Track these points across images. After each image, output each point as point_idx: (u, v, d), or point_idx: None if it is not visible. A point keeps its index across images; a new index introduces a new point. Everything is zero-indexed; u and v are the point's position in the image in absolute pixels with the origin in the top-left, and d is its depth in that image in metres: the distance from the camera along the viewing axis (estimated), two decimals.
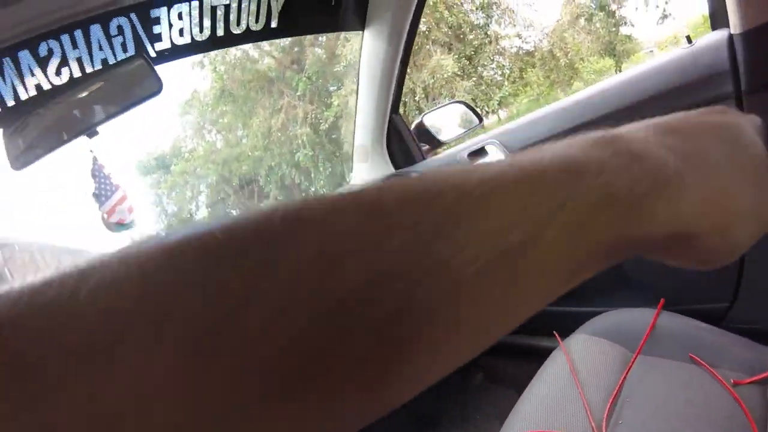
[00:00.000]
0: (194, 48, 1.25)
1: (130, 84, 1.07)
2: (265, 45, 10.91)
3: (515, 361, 1.81)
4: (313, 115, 10.61)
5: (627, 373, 0.83)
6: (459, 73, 10.02)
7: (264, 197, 12.07)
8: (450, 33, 10.23)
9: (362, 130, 1.83)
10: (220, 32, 1.27)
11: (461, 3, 10.55)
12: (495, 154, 1.40)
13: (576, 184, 0.20)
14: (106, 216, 1.30)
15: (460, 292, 0.17)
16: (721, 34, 1.01)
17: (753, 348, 0.84)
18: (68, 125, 1.05)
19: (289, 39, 10.97)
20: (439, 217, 0.17)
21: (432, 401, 1.82)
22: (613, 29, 10.36)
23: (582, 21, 10.42)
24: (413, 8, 1.47)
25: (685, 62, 1.07)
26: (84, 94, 1.06)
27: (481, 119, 1.81)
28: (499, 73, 10.93)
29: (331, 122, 10.36)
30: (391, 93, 1.69)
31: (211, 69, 10.86)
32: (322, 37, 10.73)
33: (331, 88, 10.80)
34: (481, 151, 1.46)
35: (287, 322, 0.14)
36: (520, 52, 10.87)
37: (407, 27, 1.52)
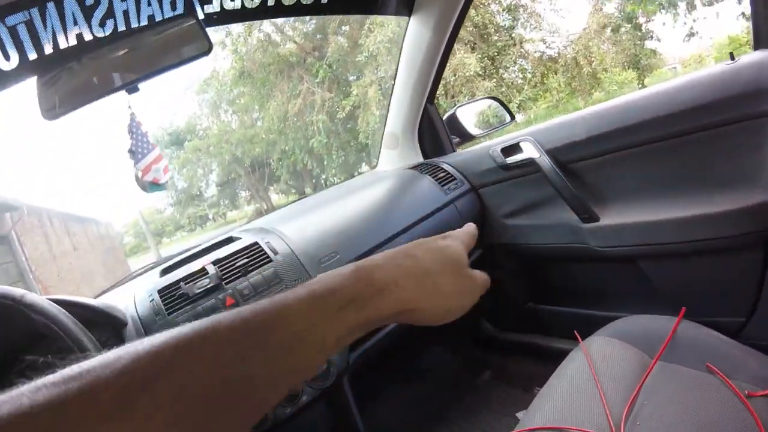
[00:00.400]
0: (243, 15, 1.23)
1: (178, 43, 1.05)
2: (288, 30, 10.94)
3: (524, 360, 1.83)
4: (330, 103, 10.59)
5: (646, 377, 0.84)
6: (481, 72, 9.97)
7: (274, 180, 12.11)
8: (475, 32, 10.18)
9: (395, 116, 1.82)
10: (270, 2, 1.24)
11: (488, 3, 10.49)
12: (529, 151, 1.40)
13: (336, 301, 0.38)
14: (140, 174, 1.28)
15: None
16: (764, 54, 1.04)
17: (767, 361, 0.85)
18: (107, 79, 1.03)
19: (313, 25, 10.99)
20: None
21: (441, 397, 1.83)
22: (639, 42, 10.27)
23: (608, 31, 10.33)
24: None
25: (726, 77, 1.07)
26: (127, 49, 1.03)
27: (513, 117, 1.82)
28: (521, 76, 10.88)
29: (348, 111, 10.33)
30: (429, 82, 1.68)
31: (232, 49, 10.87)
32: (345, 26, 10.74)
33: (351, 78, 10.79)
34: (515, 147, 1.46)
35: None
36: (544, 57, 10.81)
37: (455, 17, 1.51)
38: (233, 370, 0.31)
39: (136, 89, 1.05)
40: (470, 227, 0.59)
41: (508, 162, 1.48)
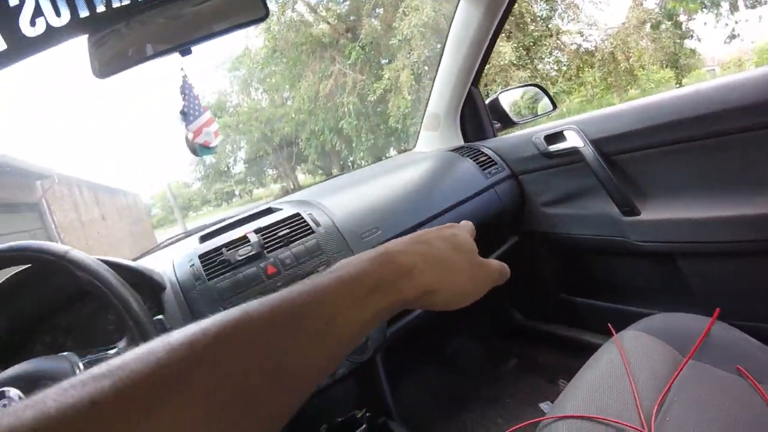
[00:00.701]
0: None
1: (235, 7, 1.04)
2: (322, 10, 10.92)
3: (551, 351, 1.84)
4: (362, 86, 10.57)
5: (677, 375, 0.83)
6: (515, 62, 9.86)
7: (302, 160, 12.15)
8: (511, 20, 10.06)
9: (438, 97, 1.81)
10: None
11: None
12: (573, 140, 1.39)
13: (363, 286, 0.38)
14: (191, 136, 1.30)
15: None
16: None
17: None
18: (161, 40, 1.03)
19: (347, 7, 10.98)
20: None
21: (465, 383, 1.84)
22: (678, 41, 10.05)
23: (647, 27, 10.11)
24: None
25: None
26: (181, 11, 1.03)
27: (555, 105, 1.81)
28: (556, 68, 10.74)
29: (379, 95, 10.28)
30: (476, 65, 1.67)
31: (264, 28, 10.88)
32: (380, 9, 10.69)
33: (383, 61, 10.74)
34: (559, 136, 1.45)
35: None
36: (580, 50, 10.64)
37: (507, 1, 1.49)
38: (268, 359, 0.31)
39: (189, 52, 1.04)
40: (468, 223, 0.60)
41: (551, 150, 1.47)
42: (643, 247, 1.32)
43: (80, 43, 1.00)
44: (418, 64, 9.76)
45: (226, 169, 13.47)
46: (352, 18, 11.04)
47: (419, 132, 1.96)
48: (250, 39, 11.41)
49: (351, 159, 11.47)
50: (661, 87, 9.76)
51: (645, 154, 1.29)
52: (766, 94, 1.04)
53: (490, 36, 1.57)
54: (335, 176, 1.95)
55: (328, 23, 10.95)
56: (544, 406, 1.57)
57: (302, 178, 13.07)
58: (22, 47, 0.95)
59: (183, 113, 1.34)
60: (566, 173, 1.50)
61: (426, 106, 1.88)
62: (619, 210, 1.34)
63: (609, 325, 1.03)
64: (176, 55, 1.05)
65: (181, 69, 1.30)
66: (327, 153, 11.59)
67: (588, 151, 1.34)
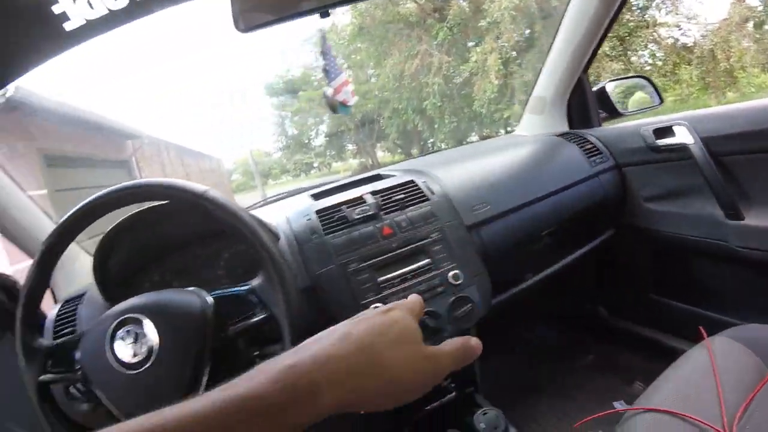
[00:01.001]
0: None
1: None
2: None
3: (632, 351, 1.83)
4: (447, 67, 10.47)
5: (762, 386, 0.83)
6: (608, 52, 9.53)
7: (382, 138, 12.21)
8: None
9: (546, 81, 1.80)
10: None
11: None
12: (683, 136, 1.37)
13: (259, 408, 0.38)
14: (331, 93, 1.34)
15: None
16: None
17: None
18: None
19: None
20: None
21: (539, 370, 1.87)
22: None
23: (750, 26, 9.48)
24: None
25: None
26: None
27: (662, 100, 1.78)
28: (651, 62, 10.27)
29: (465, 77, 10.19)
30: (589, 52, 1.65)
31: (352, 5, 10.91)
32: None
33: (470, 44, 10.59)
34: (667, 130, 1.43)
35: None
36: (678, 44, 10.10)
37: None
38: None
39: (327, 14, 1.05)
40: (415, 297, 0.57)
41: (659, 144, 1.45)
42: (743, 254, 1.30)
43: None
44: (507, 49, 9.59)
45: (306, 141, 13.72)
46: None
47: (515, 114, 1.97)
48: (336, 15, 11.50)
49: (431, 140, 11.44)
50: (761, 92, 9.17)
51: (757, 157, 1.26)
52: None
53: (606, 23, 1.55)
54: (436, 151, 1.98)
55: (416, 2, 10.85)
56: (617, 404, 1.58)
57: (381, 155, 13.10)
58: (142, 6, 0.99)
59: (325, 71, 1.39)
60: (672, 169, 1.48)
61: (531, 90, 1.87)
62: (723, 212, 1.32)
63: (701, 327, 1.03)
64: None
65: (320, 30, 1.36)
66: (408, 132, 11.59)
67: (697, 149, 1.32)
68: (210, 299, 0.83)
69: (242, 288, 0.85)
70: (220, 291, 0.86)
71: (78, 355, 0.81)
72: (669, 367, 0.95)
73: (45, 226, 1.30)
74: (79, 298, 1.13)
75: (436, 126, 10.86)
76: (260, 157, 15.01)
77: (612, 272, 1.88)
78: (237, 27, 1.00)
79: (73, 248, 1.32)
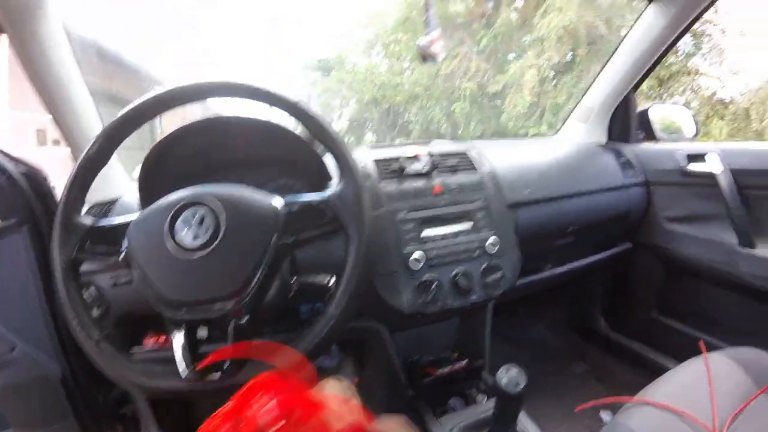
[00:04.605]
0: None
1: None
2: None
3: (626, 367, 1.90)
4: (484, 74, 10.46)
5: (751, 401, 0.90)
6: (646, 91, 9.49)
7: (405, 133, 12.19)
8: None
9: (597, 92, 1.86)
10: None
11: None
12: (713, 164, 1.44)
13: None
14: (427, 44, 1.40)
15: None
16: None
17: None
18: None
19: None
20: None
21: (535, 369, 1.88)
22: None
23: None
24: (708, 1, 1.48)
25: None
26: None
27: (698, 131, 1.88)
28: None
29: (498, 88, 10.17)
30: (642, 72, 1.73)
31: None
32: (521, 1, 10.48)
33: (511, 56, 10.57)
34: (700, 157, 1.50)
35: None
36: (714, 97, 10.08)
37: (692, 17, 1.53)
38: None
39: None
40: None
41: (689, 169, 1.53)
42: (749, 281, 1.38)
43: None
44: (546, 68, 9.57)
45: (330, 120, 13.65)
46: (490, 4, 10.89)
47: (565, 119, 2.03)
48: (386, 2, 11.50)
49: None
50: None
51: None
52: None
53: (664, 48, 1.63)
54: (480, 139, 2.06)
55: (465, 3, 10.86)
56: (604, 415, 1.64)
57: None
58: None
59: (425, 21, 1.48)
60: (697, 194, 1.56)
61: (581, 98, 1.93)
62: (737, 240, 1.40)
63: (701, 342, 1.10)
64: None
65: None
66: (430, 132, 11.55)
67: (724, 179, 1.40)
68: (282, 201, 0.81)
69: (316, 196, 0.84)
70: (292, 196, 0.84)
71: (126, 241, 0.78)
72: (665, 374, 1.03)
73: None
74: (111, 203, 1.16)
75: (460, 131, 10.83)
76: None
77: (620, 286, 1.96)
78: None
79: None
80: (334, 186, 0.84)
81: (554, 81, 9.64)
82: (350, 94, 12.73)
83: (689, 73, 9.97)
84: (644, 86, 7.42)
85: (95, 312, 0.97)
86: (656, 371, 1.08)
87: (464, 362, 1.34)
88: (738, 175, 1.39)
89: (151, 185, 1.01)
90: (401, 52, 11.73)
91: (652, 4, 1.56)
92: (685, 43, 10.01)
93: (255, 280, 0.74)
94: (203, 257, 0.72)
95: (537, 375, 1.80)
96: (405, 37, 11.45)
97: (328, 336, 0.79)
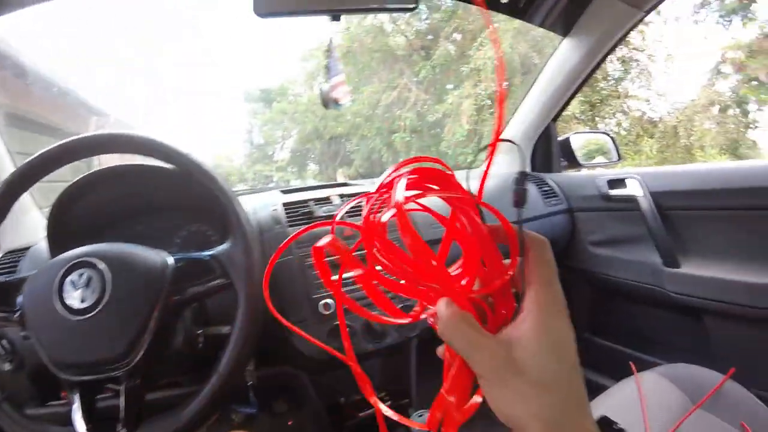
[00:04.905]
0: None
1: None
2: (402, 23, 10.99)
3: None
4: (423, 104, 10.64)
5: (685, 418, 0.89)
6: (578, 115, 9.84)
7: (346, 163, 12.20)
8: None
9: (518, 124, 1.89)
10: None
11: None
12: (634, 188, 1.47)
13: None
14: (329, 89, 1.40)
15: None
16: None
17: None
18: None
19: (426, 25, 11.06)
20: None
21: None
22: (743, 129, 9.88)
23: (715, 109, 9.96)
24: (619, 36, 1.54)
25: None
26: None
27: (620, 157, 1.93)
28: (616, 130, 10.65)
29: (437, 117, 10.35)
30: (561, 103, 1.77)
31: (344, 27, 10.98)
32: (458, 34, 10.73)
33: (449, 86, 10.78)
34: (621, 182, 1.53)
35: None
36: (644, 117, 10.54)
37: (605, 51, 1.59)
38: None
39: (338, 18, 1.11)
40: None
41: (611, 194, 1.56)
42: (676, 299, 1.39)
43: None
44: (483, 96, 9.79)
45: (271, 153, 13.58)
46: (429, 37, 11.11)
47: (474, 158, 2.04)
48: (329, 34, 11.52)
49: None
50: None
51: (698, 213, 1.37)
52: None
53: (580, 80, 1.67)
54: None
55: (405, 36, 11.05)
56: None
57: (341, 180, 12.97)
58: None
59: (326, 68, 1.47)
60: (619, 218, 1.58)
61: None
62: (662, 260, 1.42)
63: (632, 363, 1.10)
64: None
65: (330, 32, 1.43)
66: (372, 162, 11.62)
67: (645, 202, 1.43)
68: (171, 259, 0.82)
69: (204, 254, 0.84)
70: (182, 254, 0.85)
71: (20, 299, 0.78)
72: (598, 396, 1.01)
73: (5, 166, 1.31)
74: (22, 251, 1.13)
75: (400, 159, 10.85)
76: (221, 161, 14.83)
77: None
78: (256, 9, 1.03)
79: (25, 200, 1.33)
80: (224, 243, 0.85)
81: (491, 109, 9.85)
82: (292, 125, 12.73)
83: (619, 96, 10.39)
84: (577, 110, 7.73)
85: (6, 366, 0.93)
86: (593, 391, 1.06)
87: (387, 404, 1.33)
88: (658, 197, 1.43)
89: (59, 234, 1.01)
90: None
91: (566, 39, 1.61)
92: (615, 68, 10.46)
93: (144, 339, 0.74)
94: (89, 319, 0.71)
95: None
96: (347, 68, 11.52)
97: (218, 394, 0.78)
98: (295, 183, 13.73)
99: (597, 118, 10.40)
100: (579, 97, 9.80)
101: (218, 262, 0.83)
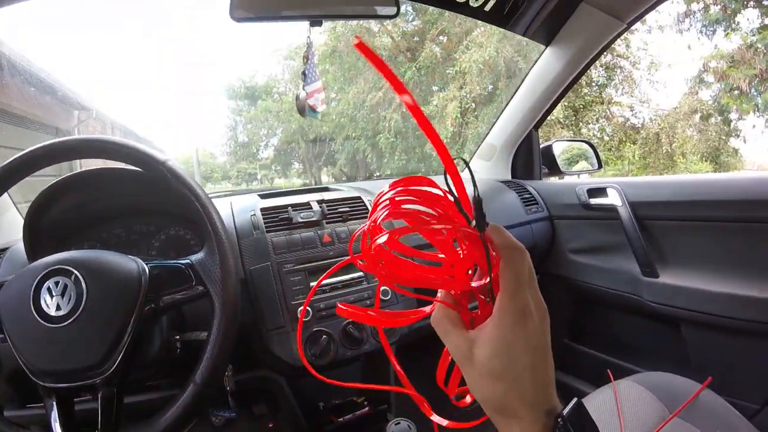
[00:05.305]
0: None
1: None
2: (389, 24, 11.00)
3: None
4: None
5: (662, 426, 0.90)
6: (561, 120, 9.92)
7: (330, 163, 12.20)
8: None
9: (500, 131, 1.91)
10: None
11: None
12: (613, 198, 1.49)
13: None
14: (305, 96, 1.39)
15: None
16: None
17: None
18: (300, 3, 1.10)
19: (412, 26, 11.12)
20: None
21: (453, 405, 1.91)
22: (724, 137, 10.04)
23: (697, 117, 10.10)
24: (601, 46, 1.55)
25: None
26: None
27: (601, 165, 1.94)
28: (599, 135, 10.76)
29: None
30: (543, 111, 1.79)
31: (330, 27, 10.98)
32: (444, 37, 10.77)
33: (434, 88, 10.81)
34: (601, 191, 1.55)
35: None
36: (627, 124, 10.68)
37: (586, 61, 1.60)
38: None
39: (319, 23, 1.13)
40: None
41: (591, 203, 1.57)
42: (654, 308, 1.41)
43: None
44: (467, 99, 9.83)
45: (255, 151, 13.50)
46: (415, 39, 11.12)
47: (471, 159, 2.07)
48: (313, 33, 11.50)
49: (377, 174, 11.50)
50: None
51: (676, 224, 1.39)
52: None
53: (562, 88, 1.69)
54: (384, 178, 2.06)
55: (392, 38, 11.04)
56: None
57: (325, 179, 13.02)
58: None
59: (303, 74, 1.47)
60: (599, 227, 1.60)
61: (484, 137, 1.97)
62: (640, 269, 1.43)
63: (608, 371, 1.10)
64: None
65: (308, 37, 1.42)
66: (356, 162, 11.62)
67: (624, 211, 1.44)
68: (147, 266, 0.82)
69: (180, 261, 0.85)
70: (158, 261, 0.85)
71: None
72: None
73: None
74: (1, 251, 1.12)
75: (385, 160, 10.92)
76: (205, 158, 14.69)
77: None
78: (232, 14, 1.05)
79: (5, 200, 1.32)
80: (200, 251, 0.85)
81: (476, 112, 9.90)
82: (277, 123, 12.69)
83: (602, 103, 10.51)
84: (561, 115, 7.81)
85: None
86: (571, 396, 1.06)
87: (365, 409, 1.32)
88: (637, 207, 1.44)
89: (36, 237, 1.00)
90: (329, 83, 11.77)
91: (548, 48, 1.62)
92: (599, 75, 10.58)
93: (120, 347, 0.73)
94: (65, 327, 0.71)
95: (459, 409, 1.83)
96: (332, 68, 11.50)
97: (195, 403, 0.78)
98: (279, 182, 13.68)
99: (581, 124, 10.52)
100: (563, 103, 9.89)
101: (194, 270, 0.83)
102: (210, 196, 1.51)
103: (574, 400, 0.47)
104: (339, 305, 0.47)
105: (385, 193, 0.45)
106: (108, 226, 1.14)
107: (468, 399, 0.51)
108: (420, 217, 0.45)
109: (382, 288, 1.15)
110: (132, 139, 0.86)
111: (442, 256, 0.46)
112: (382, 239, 0.42)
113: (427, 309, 0.48)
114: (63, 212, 1.03)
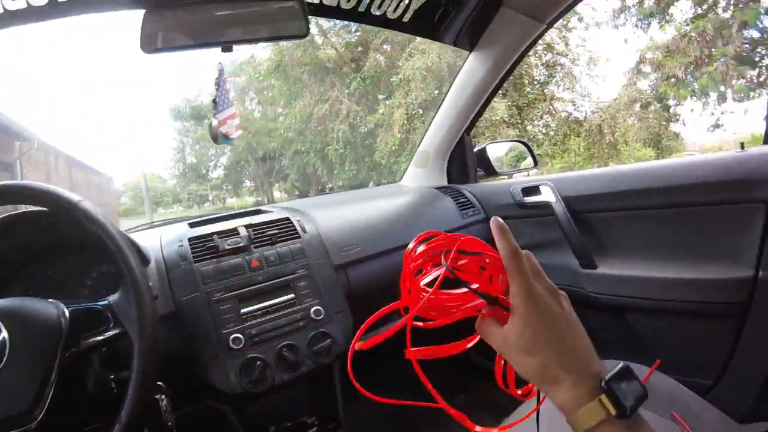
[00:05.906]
0: (338, 14, 1.30)
1: (279, 18, 1.13)
2: (332, 36, 11.03)
3: (497, 390, 1.89)
4: (355, 116, 10.66)
5: None
6: (507, 119, 10.09)
7: (281, 178, 12.14)
8: (510, 80, 10.28)
9: (432, 138, 1.92)
10: (361, 8, 1.34)
11: (528, 55, 10.58)
12: (547, 195, 1.50)
13: None
14: (216, 124, 1.38)
15: None
16: None
17: (727, 421, 0.93)
18: (210, 31, 1.10)
19: (356, 37, 11.16)
20: None
21: (410, 408, 1.88)
22: (664, 123, 10.43)
23: (637, 106, 10.45)
24: (523, 48, 1.57)
25: (734, 163, 1.18)
26: (234, 9, 1.10)
27: (536, 163, 1.97)
28: (544, 131, 11.02)
29: (370, 128, 10.44)
30: (472, 115, 1.80)
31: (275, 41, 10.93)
32: (387, 45, 10.86)
33: (380, 96, 10.89)
34: (534, 189, 1.56)
35: None
36: (570, 118, 10.95)
37: (511, 62, 1.63)
38: None
39: (230, 49, 1.12)
40: None
41: (526, 201, 1.58)
42: (597, 299, 1.42)
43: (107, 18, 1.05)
44: (414, 106, 9.94)
45: (204, 171, 13.38)
46: (359, 49, 11.18)
47: (407, 167, 2.06)
48: (257, 49, 11.48)
49: (330, 186, 11.49)
50: None
51: (609, 215, 1.41)
52: (719, 175, 1.17)
53: (489, 91, 1.71)
54: (324, 194, 2.06)
55: (336, 49, 11.07)
56: None
57: (278, 195, 12.98)
58: (62, 7, 1.04)
59: (214, 102, 1.45)
60: (536, 224, 1.61)
61: (418, 144, 1.98)
62: (579, 262, 1.45)
63: None
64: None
65: (219, 63, 1.40)
66: (307, 175, 11.60)
67: (558, 207, 1.46)
68: (67, 312, 0.81)
69: (99, 303, 0.85)
70: (76, 305, 0.84)
71: None
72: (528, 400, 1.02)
73: None
74: None
75: (335, 172, 10.94)
76: (153, 182, 14.43)
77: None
78: (142, 47, 1.04)
79: None
80: (117, 292, 0.85)
81: (422, 117, 9.99)
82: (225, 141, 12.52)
83: (545, 99, 10.74)
84: (505, 114, 7.91)
85: None
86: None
87: (314, 429, 1.30)
88: (570, 202, 1.45)
89: None
90: (275, 98, 11.73)
91: (472, 54, 1.64)
92: (540, 73, 10.83)
93: (46, 395, 0.72)
94: None
95: (408, 417, 1.79)
96: (278, 82, 11.46)
97: None
98: (231, 201, 13.54)
99: (526, 121, 10.73)
100: (507, 102, 10.08)
101: (112, 311, 0.83)
102: (144, 227, 1.49)
103: (621, 363, 0.52)
104: (408, 351, 0.63)
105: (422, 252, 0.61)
106: (40, 266, 1.11)
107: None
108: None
109: (314, 308, 1.15)
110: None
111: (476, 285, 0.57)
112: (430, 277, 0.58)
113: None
114: None
